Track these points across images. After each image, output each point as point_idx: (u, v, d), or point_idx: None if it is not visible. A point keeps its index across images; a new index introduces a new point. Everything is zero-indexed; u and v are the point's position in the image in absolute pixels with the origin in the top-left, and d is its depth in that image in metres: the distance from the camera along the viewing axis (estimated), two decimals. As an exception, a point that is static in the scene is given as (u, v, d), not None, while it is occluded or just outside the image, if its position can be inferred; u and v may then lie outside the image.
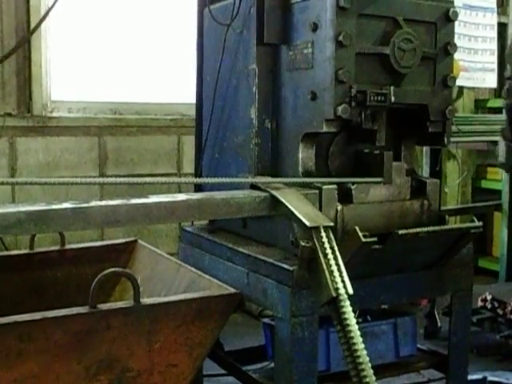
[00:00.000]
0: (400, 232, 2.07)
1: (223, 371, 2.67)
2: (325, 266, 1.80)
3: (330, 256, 1.82)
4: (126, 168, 4.27)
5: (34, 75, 3.99)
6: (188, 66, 3.52)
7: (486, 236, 5.42)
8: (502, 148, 2.52)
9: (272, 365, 2.34)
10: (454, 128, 3.52)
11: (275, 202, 2.06)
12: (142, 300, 1.92)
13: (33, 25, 3.87)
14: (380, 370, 2.01)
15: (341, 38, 2.09)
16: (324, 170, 2.31)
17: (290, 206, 1.99)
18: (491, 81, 5.38)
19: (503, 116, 2.64)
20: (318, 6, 2.15)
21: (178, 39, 4.41)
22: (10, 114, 3.95)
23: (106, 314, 1.86)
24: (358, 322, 1.75)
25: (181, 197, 2.00)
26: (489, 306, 3.83)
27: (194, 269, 2.38)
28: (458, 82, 4.59)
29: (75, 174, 4.11)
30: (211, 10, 2.58)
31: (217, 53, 2.55)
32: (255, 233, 2.42)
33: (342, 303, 1.75)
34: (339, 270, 1.80)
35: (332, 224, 1.94)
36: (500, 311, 3.79)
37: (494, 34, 5.34)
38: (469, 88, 5.37)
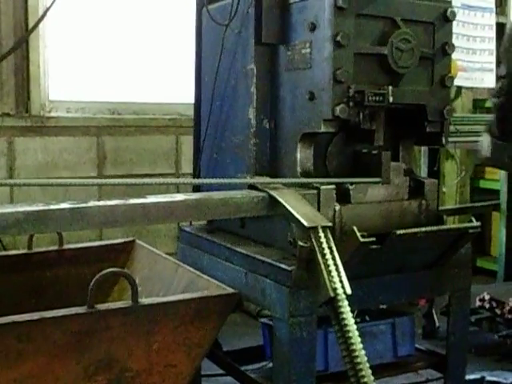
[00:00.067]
0: (398, 232, 2.07)
1: (222, 371, 2.66)
2: (323, 266, 1.81)
3: (329, 256, 1.82)
4: (125, 168, 4.27)
5: (32, 75, 3.98)
6: (186, 65, 3.52)
7: (484, 236, 5.42)
8: (486, 143, 2.52)
9: (270, 365, 2.34)
10: (452, 128, 3.52)
11: (273, 202, 2.06)
12: (140, 300, 1.92)
13: (31, 24, 3.87)
14: (378, 370, 2.01)
15: (339, 38, 2.09)
16: (322, 170, 2.31)
17: (288, 206, 2.00)
18: (490, 81, 5.37)
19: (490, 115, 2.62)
20: (316, 5, 2.15)
21: (177, 39, 4.41)
22: (8, 114, 3.94)
23: (104, 314, 1.86)
24: (356, 322, 1.75)
25: (179, 197, 2.00)
26: (487, 306, 3.83)
27: (192, 269, 2.37)
28: (457, 82, 4.60)
29: (74, 174, 4.11)
30: (209, 10, 2.57)
31: (215, 53, 2.55)
32: (253, 233, 2.42)
33: (340, 303, 1.75)
34: (337, 270, 1.80)
35: (330, 224, 1.94)
36: (498, 311, 3.79)
37: (493, 34, 5.33)
38: (467, 88, 5.37)
